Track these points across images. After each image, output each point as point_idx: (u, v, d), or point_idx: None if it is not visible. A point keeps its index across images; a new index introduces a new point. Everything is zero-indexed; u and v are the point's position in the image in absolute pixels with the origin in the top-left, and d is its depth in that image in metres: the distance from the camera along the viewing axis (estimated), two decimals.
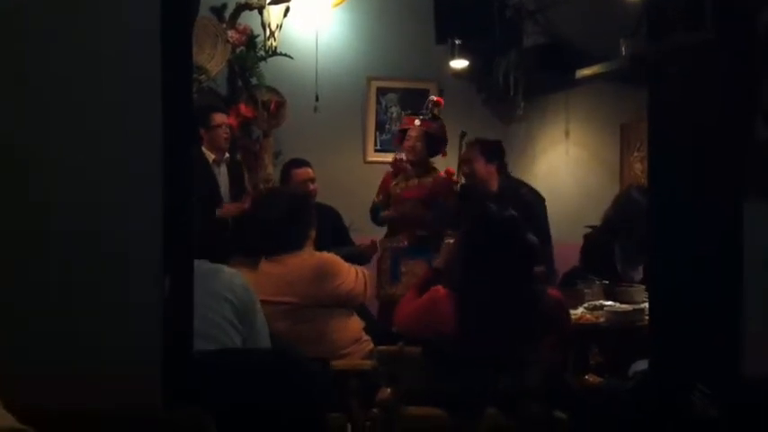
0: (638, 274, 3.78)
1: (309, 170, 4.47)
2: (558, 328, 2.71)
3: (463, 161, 4.39)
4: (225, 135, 4.51)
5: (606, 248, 3.93)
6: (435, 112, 4.54)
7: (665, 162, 2.37)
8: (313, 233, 3.27)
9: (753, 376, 2.03)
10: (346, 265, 3.23)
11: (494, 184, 4.34)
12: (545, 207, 4.39)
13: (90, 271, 1.85)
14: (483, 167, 4.33)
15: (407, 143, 4.42)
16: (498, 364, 2.59)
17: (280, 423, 2.38)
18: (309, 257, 3.17)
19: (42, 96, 1.85)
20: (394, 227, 4.48)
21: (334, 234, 4.28)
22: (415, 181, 4.45)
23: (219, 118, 4.49)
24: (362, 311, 3.52)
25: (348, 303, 3.22)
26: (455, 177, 4.42)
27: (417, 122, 4.43)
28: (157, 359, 1.83)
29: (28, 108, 1.85)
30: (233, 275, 2.64)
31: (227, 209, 4.21)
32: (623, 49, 4.39)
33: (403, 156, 4.49)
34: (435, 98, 4.65)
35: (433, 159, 4.55)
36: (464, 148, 4.44)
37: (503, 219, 2.75)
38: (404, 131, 4.53)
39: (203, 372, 2.11)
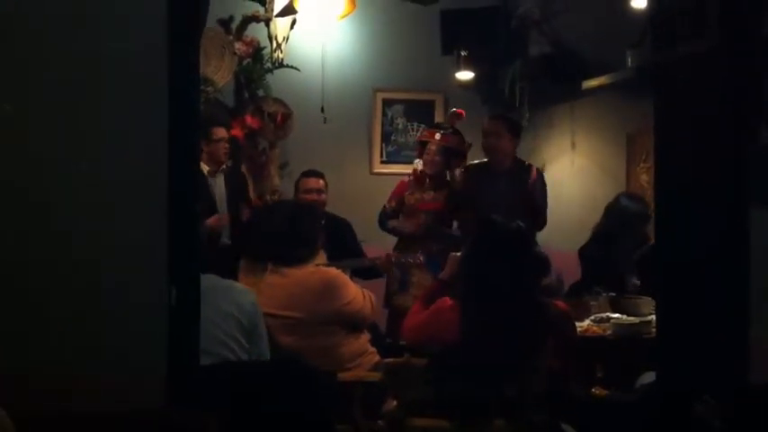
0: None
1: (319, 180, 4.46)
2: (562, 338, 2.70)
3: (488, 133, 4.35)
4: (224, 149, 4.52)
5: (606, 259, 3.93)
6: (456, 126, 4.53)
7: (672, 172, 2.37)
8: (320, 246, 3.26)
9: (760, 384, 2.02)
10: (352, 283, 3.21)
11: (509, 161, 4.39)
12: (545, 184, 4.47)
13: (98, 278, 1.86)
14: (507, 143, 4.35)
15: (427, 157, 4.42)
16: (504, 374, 2.58)
17: None
18: (314, 272, 3.15)
19: (51, 106, 1.86)
20: (404, 238, 4.47)
21: (345, 246, 4.27)
22: (431, 193, 4.45)
23: (220, 132, 4.50)
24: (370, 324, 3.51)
25: (355, 323, 3.20)
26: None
27: (438, 137, 4.42)
28: (163, 366, 1.84)
29: (38, 117, 1.86)
30: (242, 293, 2.62)
31: (209, 222, 4.09)
32: (629, 59, 4.39)
33: (420, 166, 4.48)
34: (457, 110, 4.61)
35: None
36: (487, 122, 4.44)
37: (509, 230, 2.75)
38: (423, 143, 4.52)
39: (210, 381, 2.11)
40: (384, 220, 4.53)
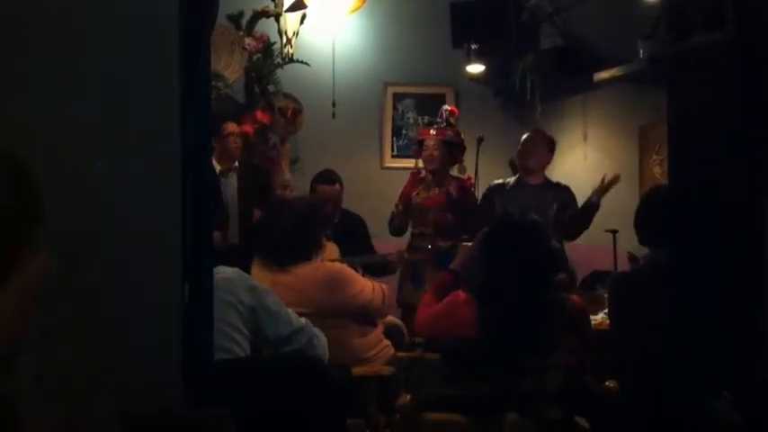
0: None
1: (338, 187, 4.36)
2: (577, 333, 2.69)
3: (527, 153, 4.39)
4: (235, 143, 4.47)
5: None
6: (452, 120, 4.56)
7: (685, 164, 2.35)
8: (324, 242, 3.26)
9: None
10: (359, 276, 3.21)
11: (541, 177, 4.43)
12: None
13: (111, 275, 1.86)
14: (545, 158, 4.43)
15: (426, 153, 4.44)
16: (518, 368, 2.58)
17: (299, 428, 2.38)
18: (319, 267, 3.15)
19: (62, 105, 1.87)
20: (415, 237, 4.47)
21: (358, 242, 4.27)
22: (436, 190, 4.46)
23: (231, 127, 4.46)
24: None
25: (367, 315, 3.20)
26: (472, 181, 4.47)
27: (433, 132, 4.46)
28: (178, 363, 1.84)
29: (49, 116, 1.87)
30: (232, 280, 2.58)
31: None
32: (641, 51, 4.37)
33: (421, 166, 4.51)
34: (450, 107, 4.66)
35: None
36: (525, 139, 4.46)
37: (525, 224, 2.74)
38: (421, 143, 4.55)
39: (222, 376, 2.11)
40: (394, 223, 4.54)
